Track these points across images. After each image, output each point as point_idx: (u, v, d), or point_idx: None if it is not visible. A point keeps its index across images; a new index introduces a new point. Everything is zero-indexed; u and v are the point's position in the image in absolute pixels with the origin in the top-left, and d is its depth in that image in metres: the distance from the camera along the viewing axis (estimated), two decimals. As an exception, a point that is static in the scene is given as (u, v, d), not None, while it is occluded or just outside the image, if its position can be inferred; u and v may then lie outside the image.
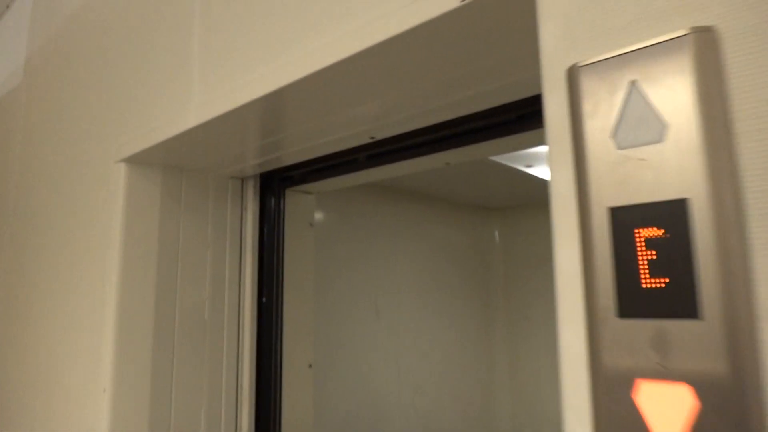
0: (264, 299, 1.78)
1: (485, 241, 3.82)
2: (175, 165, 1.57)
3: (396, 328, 3.02)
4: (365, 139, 1.33)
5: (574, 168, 0.62)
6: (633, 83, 0.58)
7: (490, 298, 3.76)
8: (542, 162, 2.44)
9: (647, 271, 0.52)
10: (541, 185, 3.02)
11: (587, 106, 0.61)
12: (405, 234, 3.18)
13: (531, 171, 2.61)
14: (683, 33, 0.56)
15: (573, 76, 0.63)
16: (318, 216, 2.54)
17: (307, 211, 1.94)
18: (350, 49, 0.93)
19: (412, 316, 3.13)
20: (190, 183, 1.62)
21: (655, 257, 0.52)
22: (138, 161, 1.52)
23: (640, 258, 0.53)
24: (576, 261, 0.60)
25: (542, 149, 2.31)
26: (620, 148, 0.58)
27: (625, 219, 0.56)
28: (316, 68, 0.98)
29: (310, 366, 1.90)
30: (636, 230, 0.54)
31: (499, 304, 3.76)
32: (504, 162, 2.43)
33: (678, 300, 0.51)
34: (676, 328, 0.51)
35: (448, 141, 1.45)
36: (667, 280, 0.51)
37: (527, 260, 3.69)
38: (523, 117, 1.37)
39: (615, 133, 0.58)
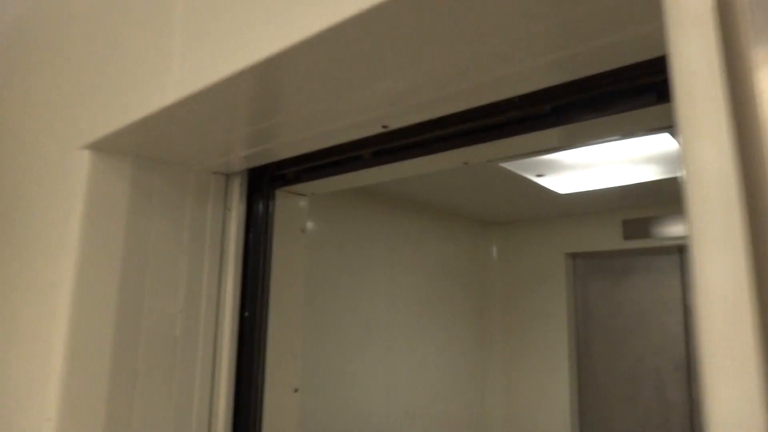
0: (247, 314, 1.55)
1: (483, 257, 3.63)
2: (148, 155, 1.35)
3: (388, 346, 2.80)
4: (377, 128, 1.12)
5: (733, 138, 0.41)
6: None
7: (487, 318, 3.56)
8: (555, 170, 2.25)
9: None
10: (545, 198, 2.84)
11: (758, 46, 0.40)
12: (400, 246, 2.97)
13: (541, 181, 2.42)
14: None
15: (729, 3, 0.42)
16: (308, 223, 2.32)
17: (299, 215, 1.72)
18: (367, 2, 0.72)
19: (405, 334, 2.92)
20: (165, 177, 1.39)
21: None
22: (104, 148, 1.29)
23: None
24: (740, 281, 0.40)
25: (557, 156, 2.12)
26: (827, 105, 0.37)
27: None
28: (321, 28, 0.77)
29: (296, 391, 1.67)
30: None
31: (496, 325, 3.56)
32: (514, 170, 2.23)
33: None
34: None
35: (468, 136, 1.25)
36: None
37: (526, 279, 3.50)
38: (558, 109, 1.18)
39: (815, 82, 0.38)
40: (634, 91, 1.06)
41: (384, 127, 1.12)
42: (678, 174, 2.32)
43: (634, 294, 3.18)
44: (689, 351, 2.97)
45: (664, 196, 2.81)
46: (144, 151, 1.32)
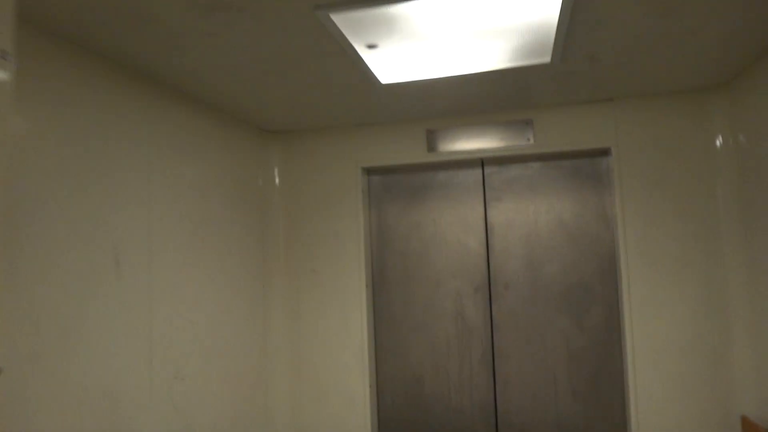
0: None
1: (264, 172, 2.94)
2: None
3: (146, 287, 1.99)
4: None
5: None
6: None
7: (270, 245, 2.90)
8: (391, 38, 1.69)
9: None
10: (357, 92, 2.26)
11: None
12: (161, 150, 2.13)
13: (369, 57, 1.84)
14: None
15: None
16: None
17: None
18: None
19: (168, 268, 2.12)
20: None
21: None
22: None
23: None
24: None
25: (400, 12, 1.56)
26: None
27: None
28: None
29: (-1, 374, 0.85)
30: None
31: (280, 252, 2.94)
32: (344, 32, 1.60)
33: None
34: None
35: None
36: None
37: (316, 198, 2.94)
38: None
39: None
40: None
41: None
42: (530, 62, 1.98)
43: (434, 213, 2.89)
44: (491, 271, 2.80)
45: (481, 102, 2.50)
46: None
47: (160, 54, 1.81)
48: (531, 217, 2.76)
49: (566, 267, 2.70)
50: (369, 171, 2.98)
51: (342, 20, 1.54)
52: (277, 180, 3.00)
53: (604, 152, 2.65)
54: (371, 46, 1.75)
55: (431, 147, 2.79)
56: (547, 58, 1.94)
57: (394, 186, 2.98)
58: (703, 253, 2.45)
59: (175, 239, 2.17)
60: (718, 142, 2.45)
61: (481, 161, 2.83)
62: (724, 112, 2.44)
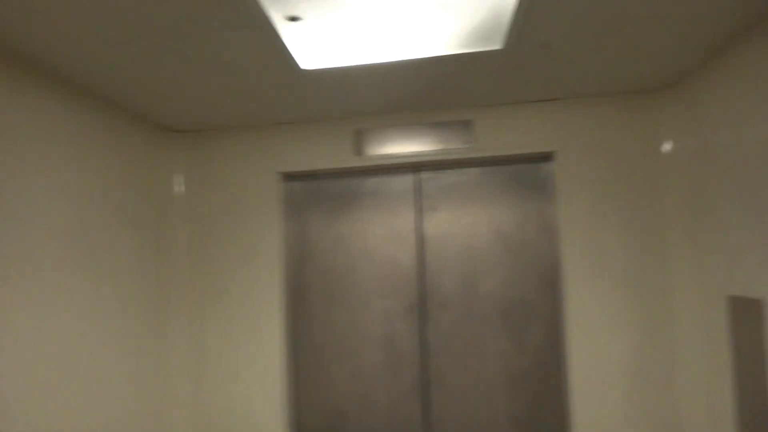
0: None
1: (165, 178, 2.51)
2: None
3: (9, 321, 1.53)
4: None
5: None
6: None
7: (169, 264, 2.48)
8: (319, 6, 1.35)
9: None
10: (276, 80, 1.90)
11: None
12: (25, 145, 1.67)
13: (289, 30, 1.49)
14: None
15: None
16: None
17: None
18: None
19: (30, 299, 1.67)
20: None
21: None
22: None
23: None
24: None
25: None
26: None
27: None
28: None
29: None
30: None
31: (182, 274, 2.51)
32: (261, 3, 1.25)
33: None
34: None
35: None
36: None
37: (224, 209, 2.54)
38: None
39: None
40: None
41: None
42: (491, 47, 1.70)
43: (362, 224, 2.57)
44: (424, 289, 2.51)
45: (417, 98, 2.21)
46: None
47: (12, 20, 1.37)
48: (469, 229, 2.50)
49: (506, 283, 2.46)
50: (288, 177, 2.61)
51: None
52: (180, 187, 2.57)
53: (548, 157, 2.45)
54: (293, 19, 1.41)
55: (359, 150, 2.47)
56: (497, 44, 1.68)
57: (316, 194, 2.63)
58: (650, 266, 2.28)
59: (41, 259, 1.71)
60: (665, 148, 2.30)
61: (415, 166, 2.54)
62: (672, 116, 2.29)
